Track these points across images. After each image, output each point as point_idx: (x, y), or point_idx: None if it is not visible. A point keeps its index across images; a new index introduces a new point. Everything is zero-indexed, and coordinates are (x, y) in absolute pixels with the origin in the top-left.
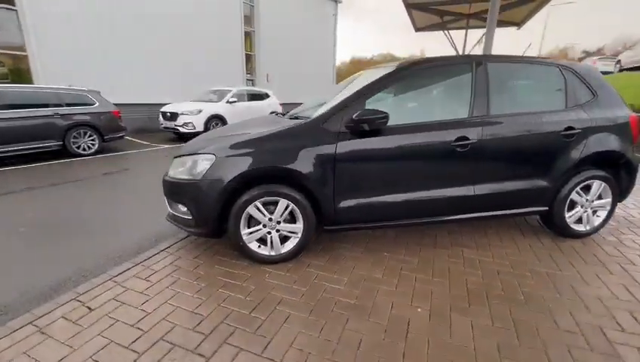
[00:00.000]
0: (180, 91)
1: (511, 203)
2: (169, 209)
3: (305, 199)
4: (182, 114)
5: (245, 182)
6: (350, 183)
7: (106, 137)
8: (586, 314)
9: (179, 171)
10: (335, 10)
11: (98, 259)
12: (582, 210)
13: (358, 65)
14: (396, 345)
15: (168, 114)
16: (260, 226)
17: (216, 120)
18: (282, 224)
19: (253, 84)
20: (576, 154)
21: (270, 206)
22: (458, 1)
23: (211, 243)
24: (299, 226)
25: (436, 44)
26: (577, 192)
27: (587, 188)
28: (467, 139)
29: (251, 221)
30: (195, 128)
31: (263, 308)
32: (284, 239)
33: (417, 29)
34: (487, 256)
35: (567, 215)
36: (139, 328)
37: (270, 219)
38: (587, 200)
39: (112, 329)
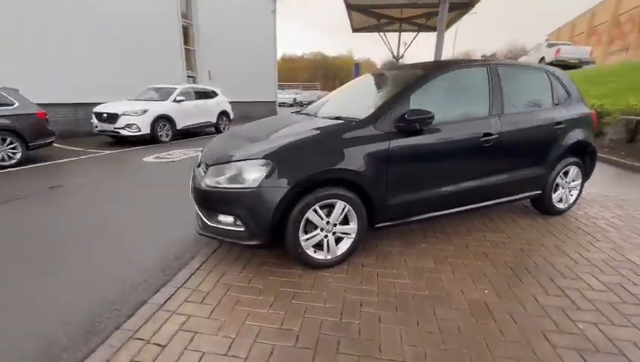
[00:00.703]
0: (108, 89)
1: (518, 189)
2: (204, 221)
3: (358, 198)
4: (123, 115)
5: (306, 187)
6: (400, 179)
7: (30, 144)
8: (600, 274)
9: (222, 180)
10: (274, 6)
11: (116, 288)
12: (563, 191)
13: (290, 62)
14: (489, 325)
15: (105, 115)
16: (318, 231)
17: (164, 121)
18: (338, 226)
19: (194, 82)
20: (563, 144)
21: (324, 209)
22: (392, 6)
23: (246, 255)
24: (353, 227)
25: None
26: (560, 176)
27: (566, 173)
28: (491, 135)
29: (308, 226)
30: (140, 130)
31: (349, 312)
32: (336, 241)
33: (355, 30)
34: (504, 237)
35: (553, 196)
36: (236, 356)
37: (327, 223)
38: (566, 182)
39: None
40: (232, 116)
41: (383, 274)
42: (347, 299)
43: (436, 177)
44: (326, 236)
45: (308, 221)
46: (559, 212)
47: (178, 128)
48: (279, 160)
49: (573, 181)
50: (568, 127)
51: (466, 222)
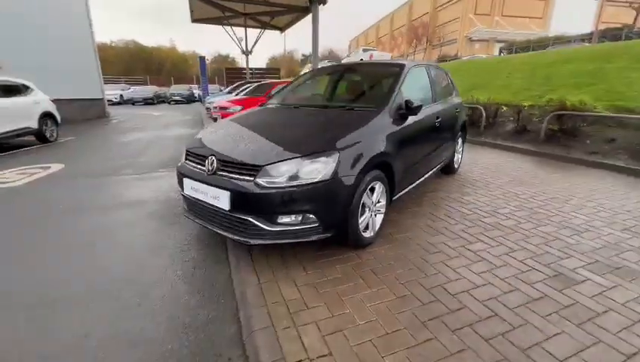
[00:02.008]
0: None
1: (444, 157)
2: (263, 227)
3: (385, 177)
4: None
5: (365, 172)
6: (405, 155)
7: None
8: (468, 204)
9: (287, 178)
10: None
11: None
12: (458, 156)
13: (102, 49)
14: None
15: None
16: (367, 211)
17: None
18: (377, 204)
19: None
20: (459, 122)
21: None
22: None
23: (284, 258)
24: (383, 203)
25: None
26: (458, 145)
27: (458, 142)
28: (439, 117)
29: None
30: None
31: (423, 266)
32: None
33: (195, 20)
34: (447, 196)
35: (454, 161)
36: (396, 330)
37: (372, 203)
38: (458, 150)
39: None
40: (59, 119)
41: (411, 236)
42: (411, 258)
43: (417, 152)
44: (371, 215)
45: (362, 204)
46: (455, 172)
47: None
48: (347, 150)
49: (461, 148)
50: (460, 110)
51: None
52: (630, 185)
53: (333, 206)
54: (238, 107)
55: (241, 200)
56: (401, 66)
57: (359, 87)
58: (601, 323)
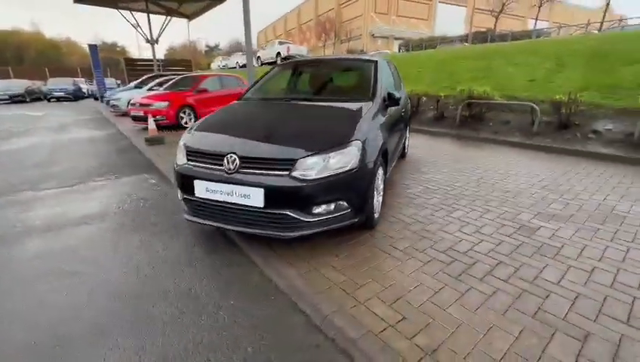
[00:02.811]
0: None
1: (402, 144)
2: (300, 219)
3: (384, 162)
4: None
5: (378, 159)
6: (390, 141)
7: None
8: (419, 181)
9: (321, 168)
10: None
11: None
12: (407, 142)
13: None
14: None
15: None
16: (376, 194)
17: None
18: (379, 187)
19: None
20: (408, 110)
21: None
22: None
23: (304, 247)
24: (382, 186)
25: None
26: (407, 132)
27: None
28: (402, 107)
29: None
30: None
31: (432, 233)
32: None
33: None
34: (410, 175)
35: (406, 146)
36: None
37: (380, 186)
38: (407, 136)
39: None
40: None
41: (403, 214)
42: (416, 231)
43: (394, 138)
44: (377, 198)
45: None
46: (406, 155)
47: None
48: (365, 139)
49: (408, 134)
50: (407, 100)
51: None
52: (530, 156)
53: (360, 191)
54: (164, 103)
55: (278, 196)
56: (375, 62)
57: (342, 81)
58: (565, 254)
